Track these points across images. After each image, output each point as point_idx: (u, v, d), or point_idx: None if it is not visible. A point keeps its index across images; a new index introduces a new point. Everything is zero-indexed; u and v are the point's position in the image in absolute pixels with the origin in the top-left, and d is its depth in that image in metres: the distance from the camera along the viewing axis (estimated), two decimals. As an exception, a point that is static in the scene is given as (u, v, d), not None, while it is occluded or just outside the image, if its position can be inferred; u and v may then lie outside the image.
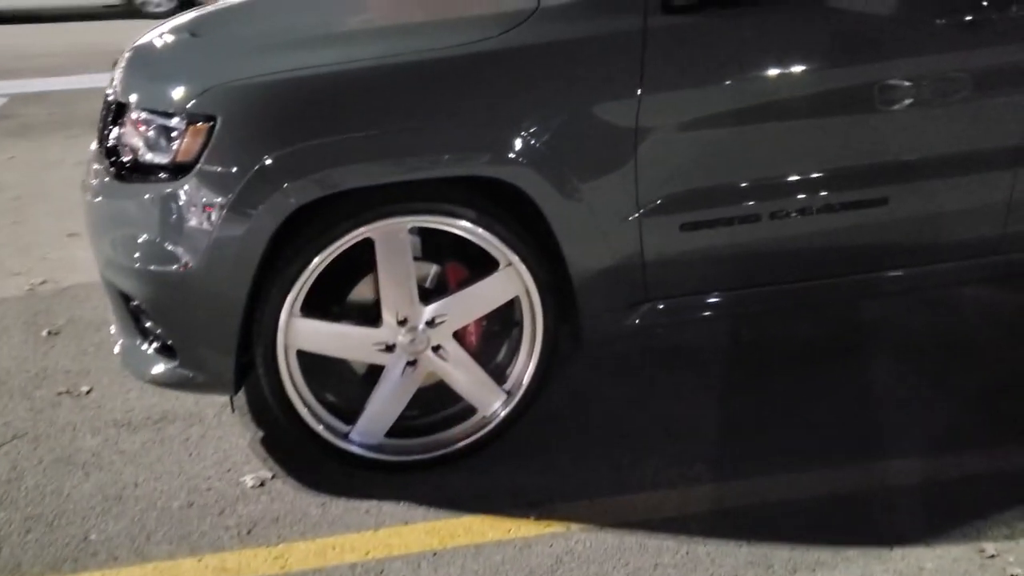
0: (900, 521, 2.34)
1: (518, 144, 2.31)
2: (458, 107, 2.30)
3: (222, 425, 2.79)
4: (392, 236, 2.34)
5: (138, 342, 2.51)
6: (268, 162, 2.21)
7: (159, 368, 2.46)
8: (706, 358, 3.11)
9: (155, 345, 2.48)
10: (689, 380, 2.98)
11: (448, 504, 2.45)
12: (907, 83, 2.49)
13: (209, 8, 2.88)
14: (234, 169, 2.23)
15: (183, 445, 2.72)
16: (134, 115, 2.38)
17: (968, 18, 2.48)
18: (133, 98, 2.40)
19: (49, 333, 3.37)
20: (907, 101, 2.50)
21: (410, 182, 2.33)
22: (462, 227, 2.37)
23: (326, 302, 2.46)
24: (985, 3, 2.48)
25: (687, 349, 3.16)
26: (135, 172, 2.37)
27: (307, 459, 2.58)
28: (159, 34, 2.71)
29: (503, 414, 2.57)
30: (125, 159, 2.40)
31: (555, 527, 2.35)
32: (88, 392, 2.99)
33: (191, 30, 2.64)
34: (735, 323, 3.28)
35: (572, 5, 2.40)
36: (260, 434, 2.74)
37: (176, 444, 2.73)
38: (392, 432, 2.54)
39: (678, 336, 3.22)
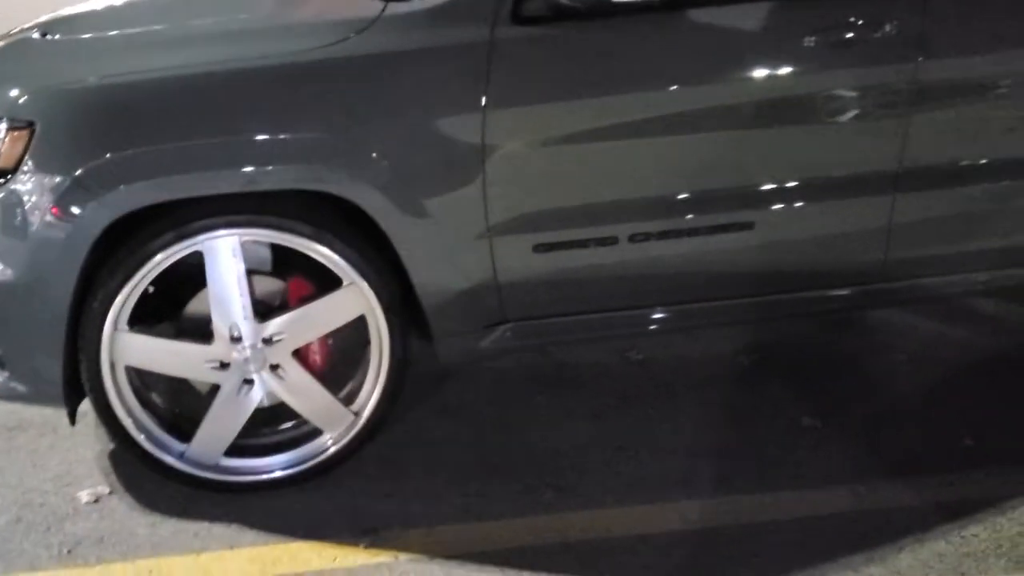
0: (762, 560, 2.23)
1: (352, 158, 2.22)
2: (286, 117, 2.21)
3: (74, 435, 2.70)
4: (221, 249, 2.25)
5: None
6: (83, 171, 2.13)
7: (-7, 378, 2.38)
8: (588, 378, 3.00)
9: (-11, 355, 2.40)
10: (566, 402, 2.88)
11: (280, 529, 2.36)
12: (772, 103, 2.38)
13: (78, 8, 2.80)
14: (51, 177, 2.15)
15: (30, 455, 2.65)
16: None
17: (839, 36, 2.35)
18: (-29, 99, 2.32)
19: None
20: (773, 122, 2.39)
21: (239, 194, 2.23)
22: (296, 243, 2.28)
23: (162, 317, 2.37)
24: (855, 20, 2.35)
25: (571, 367, 3.06)
26: (-32, 176, 2.29)
27: (150, 475, 2.49)
28: (17, 32, 2.63)
29: (350, 436, 2.48)
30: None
31: (383, 556, 2.26)
32: (-50, 396, 2.91)
33: (44, 30, 2.55)
34: (627, 342, 3.17)
35: (415, 13, 2.30)
36: (110, 447, 2.65)
37: (23, 454, 2.65)
38: (234, 451, 2.46)
39: (565, 353, 3.12)
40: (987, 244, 2.62)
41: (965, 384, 2.93)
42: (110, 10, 2.76)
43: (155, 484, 2.47)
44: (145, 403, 2.42)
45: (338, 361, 2.52)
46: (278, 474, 2.48)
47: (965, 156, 2.51)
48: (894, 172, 2.48)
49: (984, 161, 2.52)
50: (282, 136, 2.21)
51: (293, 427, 2.51)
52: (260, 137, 2.21)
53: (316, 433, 2.49)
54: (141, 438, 2.38)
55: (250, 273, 2.36)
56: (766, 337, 3.20)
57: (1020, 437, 2.66)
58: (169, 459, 2.41)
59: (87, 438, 2.70)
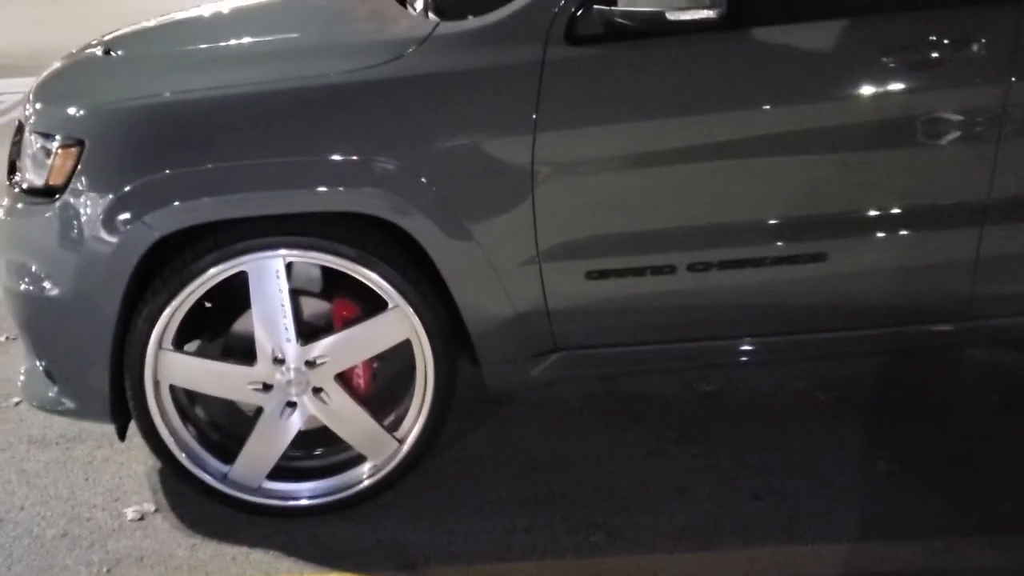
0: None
1: (399, 180, 2.15)
2: (335, 139, 2.16)
3: (130, 449, 2.72)
4: (265, 270, 2.22)
5: (34, 364, 2.46)
6: (129, 189, 2.13)
7: (46, 393, 2.40)
8: (651, 410, 2.86)
9: (42, 370, 2.42)
10: (626, 434, 2.75)
11: (319, 558, 2.31)
12: (843, 127, 2.21)
13: (146, 24, 2.83)
14: (98, 195, 2.15)
15: (84, 468, 2.67)
16: (26, 135, 2.33)
17: (920, 56, 2.18)
18: (29, 117, 2.35)
19: (7, 339, 3.38)
20: (843, 147, 2.23)
21: (286, 215, 2.20)
22: (341, 264, 2.23)
23: (208, 337, 2.36)
24: (938, 39, 2.17)
25: (633, 398, 2.93)
26: (25, 193, 2.32)
27: (196, 495, 2.47)
28: (83, 48, 2.66)
29: (393, 464, 2.41)
30: (18, 179, 2.35)
31: (418, 593, 2.19)
32: (16, 404, 2.97)
33: (108, 47, 2.58)
34: (696, 372, 3.02)
35: (467, 32, 2.23)
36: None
37: (78, 467, 2.68)
38: (279, 474, 2.42)
39: (628, 381, 2.99)
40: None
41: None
42: (172, 27, 2.78)
43: (201, 504, 2.46)
44: (190, 422, 2.41)
45: (385, 387, 2.46)
46: (321, 500, 2.43)
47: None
48: (982, 202, 2.27)
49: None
50: (333, 158, 2.16)
51: (335, 452, 2.45)
52: (313, 159, 2.16)
53: (360, 459, 2.43)
54: (183, 457, 2.36)
55: (298, 293, 2.33)
56: (846, 373, 3.00)
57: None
58: (211, 480, 2.38)
59: (142, 452, 2.70)
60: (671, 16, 2.03)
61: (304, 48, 2.42)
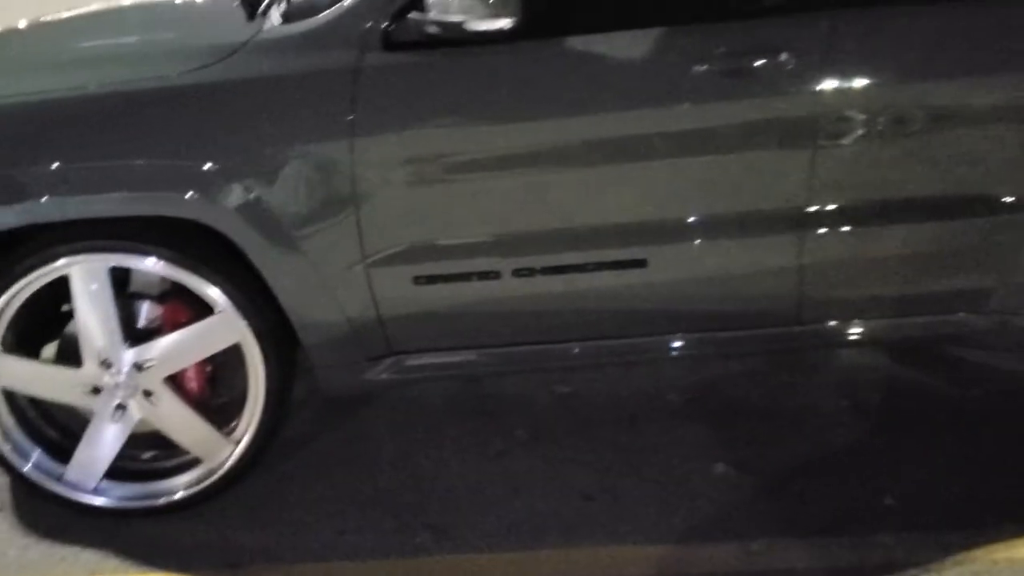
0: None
1: (215, 185, 2.18)
2: (151, 142, 2.18)
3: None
4: (87, 274, 2.24)
5: None
6: (-56, 193, 2.14)
7: None
8: (505, 411, 2.89)
9: None
10: (476, 435, 2.78)
11: (146, 557, 2.35)
12: (657, 135, 2.24)
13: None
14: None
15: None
16: None
17: (732, 65, 2.21)
18: None
19: None
20: (660, 154, 2.26)
21: (104, 219, 2.22)
22: (163, 269, 2.25)
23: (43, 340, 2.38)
24: (750, 48, 2.20)
25: (491, 398, 2.96)
26: None
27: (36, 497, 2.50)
28: None
29: (228, 465, 2.44)
30: None
31: (236, 593, 2.22)
32: None
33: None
34: (556, 373, 3.05)
35: (286, 37, 2.25)
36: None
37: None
38: (117, 475, 2.44)
39: (488, 383, 3.02)
40: (909, 289, 2.43)
41: (907, 437, 2.72)
42: (28, 30, 2.79)
43: (43, 506, 2.47)
44: (28, 424, 2.43)
45: (225, 390, 2.48)
46: (161, 501, 2.46)
47: (877, 195, 2.32)
48: (802, 209, 2.31)
49: (898, 201, 2.32)
50: (147, 162, 2.18)
51: (173, 455, 2.47)
52: (126, 162, 2.18)
53: (197, 461, 2.46)
54: (17, 460, 2.38)
55: (134, 296, 2.35)
56: (705, 374, 3.04)
57: (947, 501, 2.45)
58: (47, 481, 2.40)
59: None
60: (470, 27, 2.06)
61: (127, 53, 2.44)
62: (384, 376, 2.43)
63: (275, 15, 2.45)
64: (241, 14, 2.48)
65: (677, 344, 2.46)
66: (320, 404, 2.87)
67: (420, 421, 2.86)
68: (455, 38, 2.12)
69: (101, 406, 2.35)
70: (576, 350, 2.45)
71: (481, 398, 2.96)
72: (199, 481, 2.45)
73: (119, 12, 2.89)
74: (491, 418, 2.87)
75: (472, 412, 2.90)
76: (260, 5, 2.53)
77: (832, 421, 2.82)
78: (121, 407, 2.35)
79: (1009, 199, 2.32)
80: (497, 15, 2.05)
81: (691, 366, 3.05)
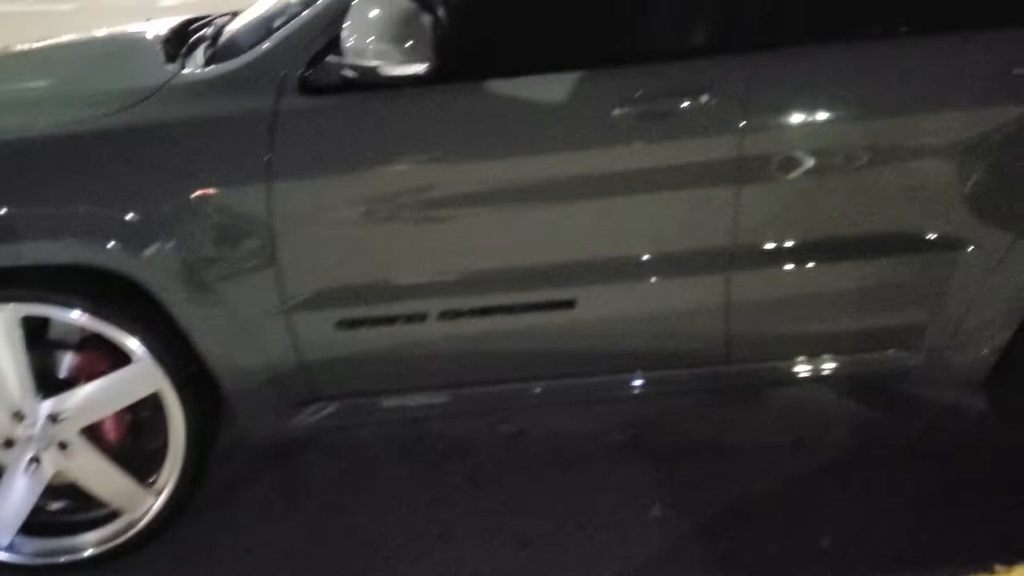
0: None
1: (129, 232, 2.13)
2: (64, 189, 2.13)
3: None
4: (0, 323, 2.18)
5: None
6: None
7: None
8: (447, 453, 2.83)
9: None
10: (415, 479, 2.71)
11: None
12: (579, 177, 2.21)
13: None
14: None
15: None
16: None
17: (652, 107, 2.18)
18: None
19: None
20: (585, 198, 2.22)
21: (15, 267, 2.16)
22: (77, 318, 2.19)
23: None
24: (671, 91, 2.18)
25: (433, 439, 2.89)
26: None
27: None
28: None
29: (148, 518, 2.37)
30: None
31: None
32: None
33: None
34: (501, 412, 3.00)
35: (201, 82, 2.21)
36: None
37: None
38: (36, 530, 2.37)
39: (432, 423, 2.96)
40: (837, 327, 2.40)
41: (849, 474, 2.68)
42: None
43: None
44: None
45: (147, 439, 2.42)
46: (79, 556, 2.38)
47: (802, 234, 2.29)
48: (727, 249, 2.28)
49: (823, 240, 2.30)
50: (59, 209, 2.13)
51: (91, 507, 2.40)
52: (38, 210, 2.13)
53: (116, 514, 2.38)
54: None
55: (51, 345, 2.29)
56: (651, 409, 3.00)
57: (885, 541, 2.42)
58: (-39, 538, 2.32)
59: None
60: (385, 71, 2.02)
61: (45, 96, 2.40)
62: (309, 422, 2.38)
63: (199, 56, 2.41)
64: (161, 55, 2.43)
65: (607, 384, 2.43)
66: (254, 449, 2.80)
67: (357, 465, 2.80)
68: (371, 82, 2.08)
69: (14, 459, 2.28)
70: (506, 392, 2.40)
71: (422, 440, 2.90)
72: (117, 535, 2.37)
73: (41, 52, 2.84)
74: (429, 461, 2.81)
75: (411, 454, 2.84)
76: (183, 46, 2.49)
77: (773, 459, 2.78)
78: (35, 460, 2.28)
79: (934, 236, 2.30)
80: (413, 59, 2.01)
81: (635, 402, 3.01)
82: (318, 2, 2.18)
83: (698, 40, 2.24)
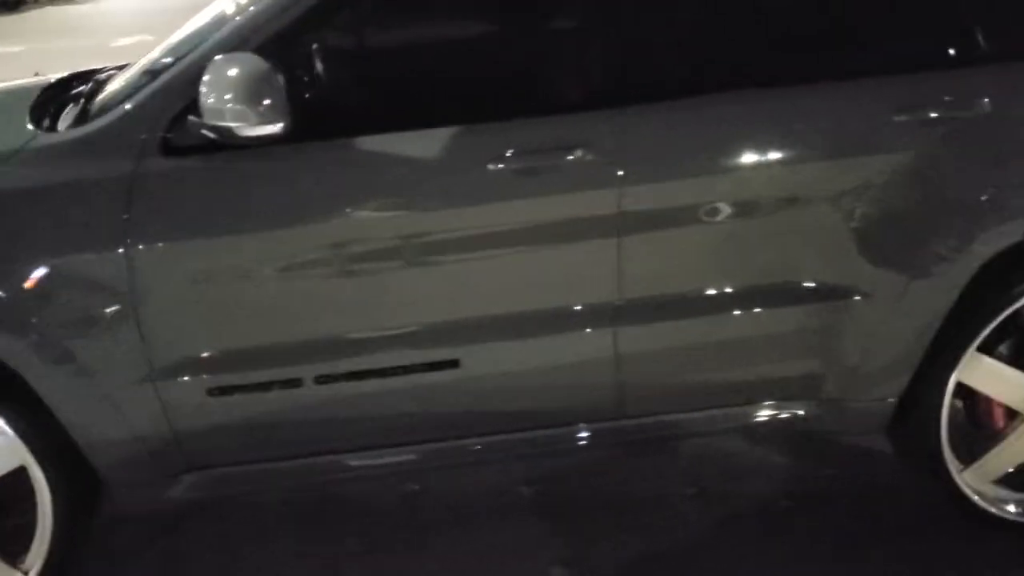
0: None
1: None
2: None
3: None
4: None
5: None
6: None
7: None
8: (344, 516, 2.74)
9: None
10: (309, 545, 2.63)
11: None
12: (458, 235, 2.16)
13: None
14: None
15: None
16: None
17: (527, 163, 2.13)
18: None
19: None
20: (460, 255, 2.17)
21: None
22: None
23: None
24: (543, 146, 2.13)
25: (331, 501, 2.79)
26: None
27: None
28: None
29: (19, 600, 2.26)
30: None
31: None
32: None
33: None
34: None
35: (59, 145, 2.14)
36: None
37: None
38: None
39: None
40: (732, 378, 2.36)
41: (753, 525, 2.63)
42: None
43: None
44: None
45: (17, 515, 2.31)
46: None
47: (687, 286, 2.26)
48: (613, 303, 2.23)
49: (709, 292, 2.26)
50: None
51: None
52: None
53: (-17, 594, 2.28)
54: None
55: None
56: (559, 464, 2.93)
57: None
58: None
59: None
60: (243, 132, 1.96)
61: None
62: (185, 493, 2.29)
63: (67, 118, 2.34)
64: (24, 118, 2.35)
65: (500, 445, 2.36)
66: (140, 520, 2.70)
67: (248, 531, 2.70)
68: (230, 143, 2.02)
69: None
70: (393, 457, 2.33)
71: (320, 502, 2.81)
72: (-12, 616, 2.27)
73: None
74: (326, 525, 2.72)
75: (308, 518, 2.74)
76: (50, 108, 2.41)
77: (677, 511, 2.72)
78: None
79: (823, 286, 2.28)
80: (271, 119, 1.95)
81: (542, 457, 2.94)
82: (181, 61, 2.12)
83: (572, 95, 2.20)
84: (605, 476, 2.89)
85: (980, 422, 2.49)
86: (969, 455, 2.49)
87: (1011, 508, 2.47)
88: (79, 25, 12.58)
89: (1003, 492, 2.49)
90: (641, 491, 2.82)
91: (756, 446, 2.98)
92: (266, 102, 1.94)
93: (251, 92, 1.93)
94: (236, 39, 2.08)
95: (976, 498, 2.45)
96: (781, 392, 2.41)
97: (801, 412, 2.43)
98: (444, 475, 2.87)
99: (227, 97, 1.93)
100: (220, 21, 2.24)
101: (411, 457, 2.34)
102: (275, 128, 1.95)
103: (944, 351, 2.32)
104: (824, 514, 2.67)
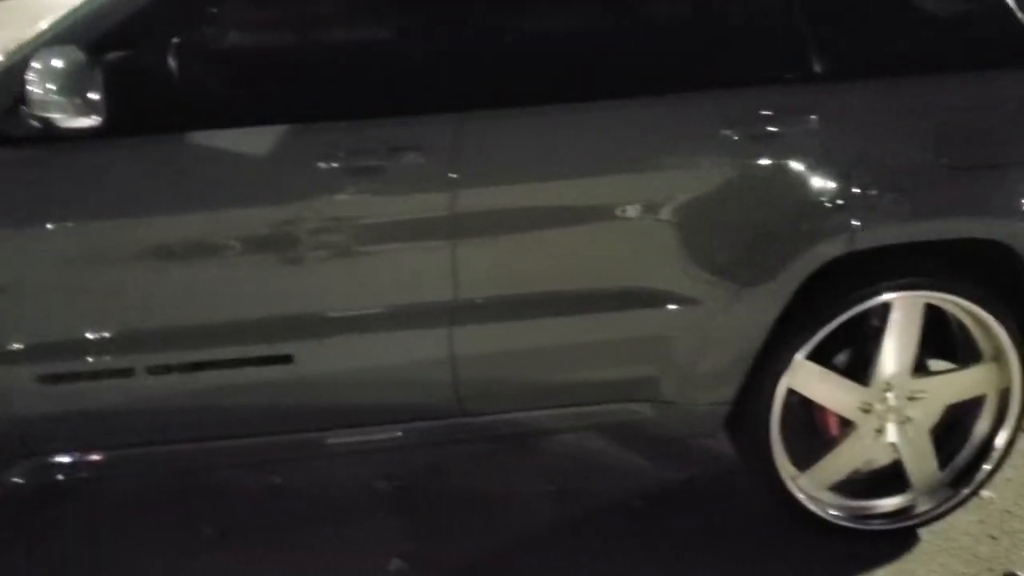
0: None
1: None
2: None
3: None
4: None
5: None
6: None
7: None
8: (197, 509, 2.75)
9: None
10: (158, 538, 2.63)
11: None
12: (290, 231, 2.19)
13: None
14: None
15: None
16: None
17: (359, 162, 2.17)
18: None
19: None
20: (295, 250, 2.20)
21: None
22: None
23: None
24: (376, 145, 2.17)
25: (196, 490, 2.82)
26: None
27: None
28: None
29: None
30: None
31: None
32: None
33: None
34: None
35: None
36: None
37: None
38: None
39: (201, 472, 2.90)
40: (569, 379, 2.40)
41: (605, 527, 2.68)
42: None
43: None
44: None
45: None
46: None
47: (522, 288, 2.29)
48: (448, 304, 2.27)
49: (543, 294, 2.30)
50: None
51: None
52: None
53: None
54: None
55: None
56: (424, 459, 2.97)
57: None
58: None
59: None
60: (64, 123, 1.99)
61: None
62: (23, 479, 2.32)
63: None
64: None
65: (336, 440, 2.40)
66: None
67: (108, 516, 2.73)
68: (54, 134, 2.05)
69: None
70: (228, 448, 2.36)
71: (182, 491, 2.84)
72: None
73: None
74: (185, 513, 2.74)
75: (157, 509, 2.76)
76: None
77: (531, 509, 2.77)
78: None
79: (654, 291, 2.32)
80: (92, 111, 1.98)
81: (409, 452, 2.98)
82: (16, 53, 2.15)
83: (406, 97, 2.23)
84: (468, 473, 2.94)
85: (816, 429, 2.55)
86: (807, 461, 2.54)
87: (832, 512, 2.53)
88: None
89: (831, 497, 2.55)
90: (501, 488, 2.87)
91: (623, 447, 3.03)
92: (85, 95, 1.97)
93: (70, 84, 1.96)
94: (69, 32, 2.10)
95: (805, 500, 2.50)
96: (620, 394, 2.45)
97: (641, 413, 2.48)
98: (308, 468, 2.92)
99: (49, 88, 1.96)
100: (69, 15, 2.27)
101: (251, 448, 2.37)
102: (92, 121, 1.99)
103: (773, 358, 2.37)
104: (676, 515, 2.72)
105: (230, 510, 2.76)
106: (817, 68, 2.30)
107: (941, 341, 2.54)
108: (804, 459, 2.54)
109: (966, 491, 2.57)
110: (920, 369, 2.51)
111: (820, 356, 2.45)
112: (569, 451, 3.03)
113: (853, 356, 2.49)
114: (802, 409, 2.54)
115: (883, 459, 2.56)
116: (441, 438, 2.47)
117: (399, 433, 2.43)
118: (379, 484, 2.88)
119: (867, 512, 2.56)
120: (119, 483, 2.83)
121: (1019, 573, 2.46)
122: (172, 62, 2.17)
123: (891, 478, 2.58)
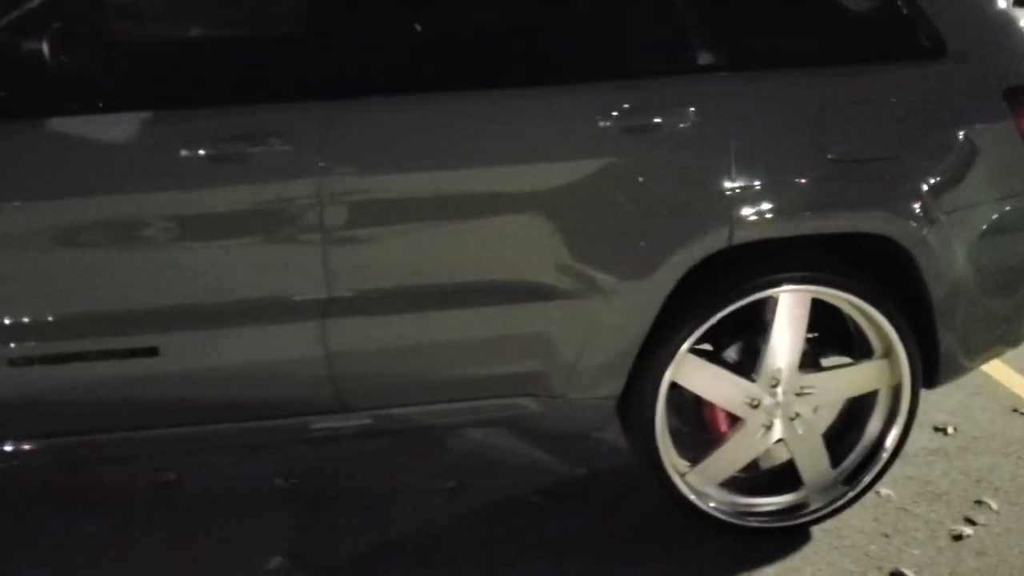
0: None
1: None
2: None
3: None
4: None
5: None
6: None
7: None
8: (102, 500, 2.73)
9: None
10: (70, 527, 2.61)
11: None
12: (152, 219, 2.14)
13: None
14: None
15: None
16: None
17: (226, 150, 2.12)
18: None
19: None
20: (159, 240, 2.15)
21: None
22: None
23: None
24: (241, 134, 2.12)
25: (89, 486, 2.79)
26: None
27: None
28: None
29: None
30: None
31: None
32: None
33: None
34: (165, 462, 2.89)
35: None
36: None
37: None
38: None
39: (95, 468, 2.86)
40: (451, 374, 2.36)
41: (490, 525, 2.64)
42: None
43: None
44: None
45: None
46: None
47: (396, 282, 2.25)
48: (320, 298, 2.23)
49: (421, 289, 2.26)
50: None
51: None
52: None
53: None
54: None
55: None
56: (322, 456, 2.93)
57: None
58: None
59: None
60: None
61: None
62: None
63: None
64: None
65: (214, 434, 2.35)
66: None
67: (15, 510, 2.69)
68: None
69: None
70: (95, 442, 2.32)
71: (78, 485, 2.79)
72: None
73: None
74: (87, 508, 2.69)
75: (60, 503, 2.72)
76: None
77: (426, 506, 2.73)
78: None
79: (533, 286, 2.28)
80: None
81: (308, 447, 2.94)
82: None
83: (271, 85, 2.19)
84: (368, 470, 2.90)
85: (704, 425, 2.52)
86: (699, 457, 2.51)
87: (713, 506, 2.50)
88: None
89: (719, 492, 2.52)
90: (401, 485, 2.83)
91: (526, 443, 3.00)
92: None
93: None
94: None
95: (688, 494, 2.47)
96: (506, 389, 2.41)
97: (529, 408, 2.44)
98: (206, 465, 2.88)
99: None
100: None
101: (125, 442, 2.33)
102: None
103: (657, 352, 2.34)
104: (572, 510, 2.69)
105: (115, 507, 2.71)
106: (699, 60, 2.26)
107: (845, 338, 2.52)
108: (699, 454, 2.51)
109: (857, 489, 2.54)
110: (813, 365, 2.49)
111: (714, 353, 2.42)
112: (472, 448, 3.00)
113: (742, 351, 2.46)
114: (695, 405, 2.51)
115: (783, 456, 2.54)
116: (321, 434, 2.43)
117: (277, 428, 2.38)
118: (276, 482, 2.83)
119: (750, 509, 2.53)
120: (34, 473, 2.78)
121: (907, 572, 2.43)
122: (40, 46, 2.12)
123: (790, 475, 2.56)
